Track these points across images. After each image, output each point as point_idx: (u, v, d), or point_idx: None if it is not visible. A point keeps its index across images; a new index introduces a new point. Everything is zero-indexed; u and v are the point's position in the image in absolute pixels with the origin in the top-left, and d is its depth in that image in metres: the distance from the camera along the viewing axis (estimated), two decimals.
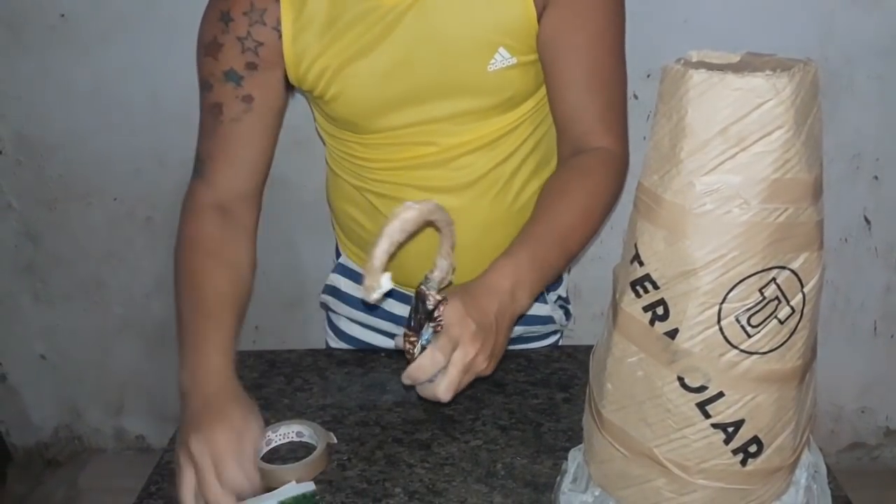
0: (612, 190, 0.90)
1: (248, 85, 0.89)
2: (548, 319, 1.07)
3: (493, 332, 0.76)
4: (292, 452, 0.86)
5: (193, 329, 0.84)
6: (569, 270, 1.13)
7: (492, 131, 0.91)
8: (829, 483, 0.69)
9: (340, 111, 0.90)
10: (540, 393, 0.95)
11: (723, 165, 0.51)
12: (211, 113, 0.91)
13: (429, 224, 0.73)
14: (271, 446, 0.87)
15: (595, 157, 0.89)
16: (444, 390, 0.73)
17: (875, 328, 1.80)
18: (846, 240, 1.69)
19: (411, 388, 0.77)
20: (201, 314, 0.84)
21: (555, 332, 1.11)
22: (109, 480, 1.95)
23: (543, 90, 0.93)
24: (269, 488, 0.80)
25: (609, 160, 0.90)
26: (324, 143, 1.02)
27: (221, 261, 0.89)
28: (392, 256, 0.70)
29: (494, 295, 0.78)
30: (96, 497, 1.93)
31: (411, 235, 0.70)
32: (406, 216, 0.69)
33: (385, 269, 0.70)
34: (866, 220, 1.68)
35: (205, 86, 0.91)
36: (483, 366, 0.76)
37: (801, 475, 0.62)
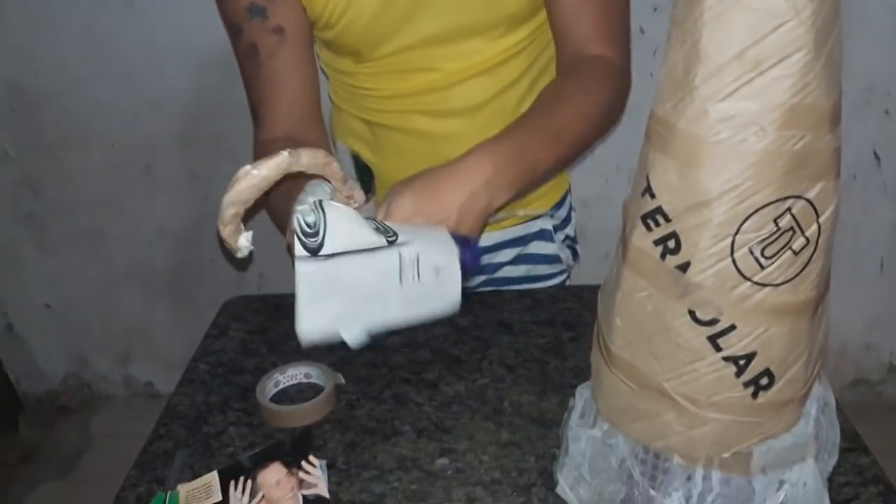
0: (609, 97, 0.86)
1: (274, 16, 0.86)
2: (554, 259, 1.06)
3: (451, 222, 0.69)
4: (301, 393, 0.86)
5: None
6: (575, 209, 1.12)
7: (493, 55, 0.88)
8: (838, 416, 0.69)
9: (345, 37, 0.88)
10: (546, 332, 0.95)
11: (739, 91, 0.49)
12: (248, 57, 0.88)
13: (293, 176, 0.64)
14: (279, 387, 0.87)
15: (593, 63, 0.86)
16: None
17: (882, 265, 1.80)
18: (855, 176, 1.67)
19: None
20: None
21: (562, 273, 1.10)
22: (120, 426, 1.98)
23: (543, 15, 0.90)
24: (278, 429, 0.81)
25: (608, 68, 0.86)
26: (327, 79, 1.00)
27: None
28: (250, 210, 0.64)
29: (465, 182, 0.71)
30: (108, 442, 1.97)
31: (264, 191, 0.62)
32: (241, 186, 0.60)
33: (242, 230, 0.64)
34: (876, 155, 1.65)
35: (234, 29, 0.88)
36: None
37: (811, 407, 0.62)
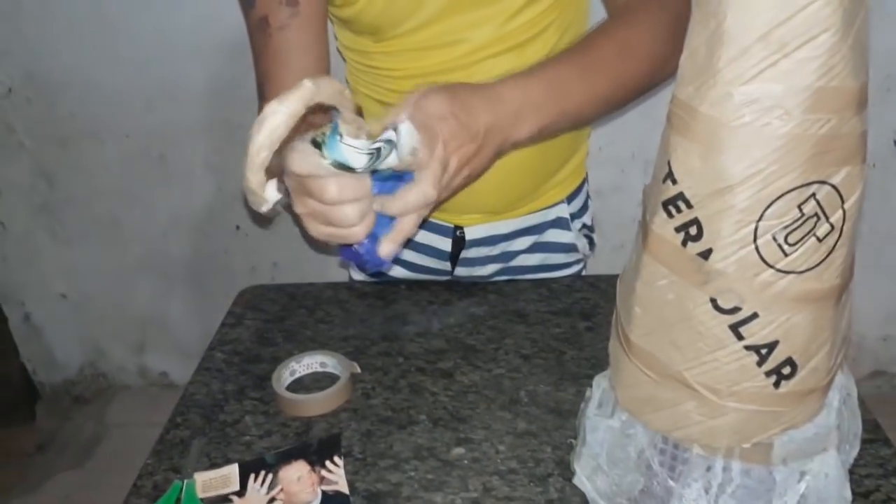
0: (663, 23, 0.76)
1: None
2: (571, 247, 1.05)
3: (475, 144, 0.65)
4: (316, 382, 0.86)
5: None
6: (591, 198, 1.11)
7: (516, 30, 0.85)
8: (859, 406, 0.68)
9: (366, 13, 0.86)
10: (562, 322, 0.95)
11: (763, 74, 0.48)
12: (258, 30, 0.86)
13: (315, 112, 0.60)
14: (295, 377, 0.87)
15: (640, 1, 0.79)
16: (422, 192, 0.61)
17: None
18: (874, 165, 1.64)
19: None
20: None
21: (578, 262, 1.09)
22: (136, 415, 1.99)
23: None
24: (294, 418, 0.80)
25: (660, 2, 0.78)
26: (344, 60, 0.99)
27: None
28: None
29: (494, 105, 0.67)
30: (124, 431, 1.98)
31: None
32: (273, 123, 0.56)
33: (267, 179, 0.59)
34: None
35: (245, 1, 0.87)
36: (453, 177, 0.64)
37: (833, 398, 0.61)
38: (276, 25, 0.85)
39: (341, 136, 0.58)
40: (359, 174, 0.59)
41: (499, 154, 0.70)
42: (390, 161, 0.60)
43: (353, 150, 0.58)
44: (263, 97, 0.89)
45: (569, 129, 0.93)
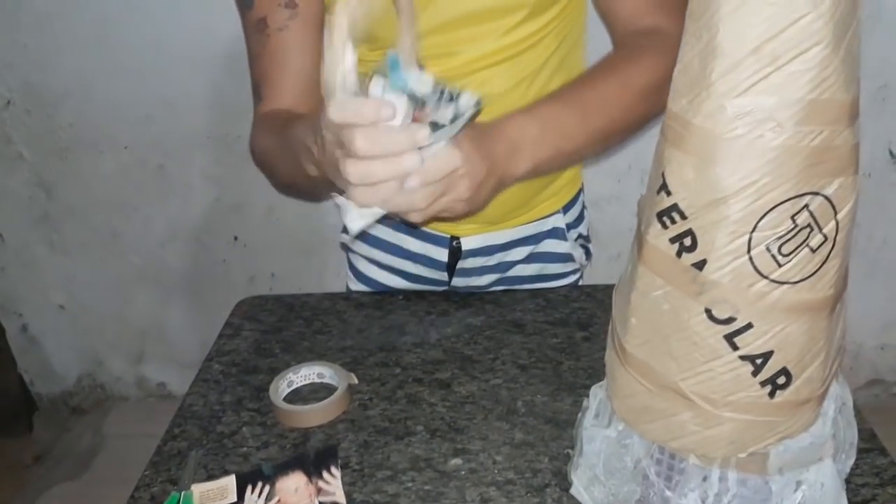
0: (664, 68, 0.75)
1: None
2: (567, 257, 1.06)
3: (480, 178, 0.67)
4: (314, 393, 0.86)
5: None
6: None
7: (513, 43, 0.86)
8: (855, 416, 0.68)
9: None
10: (559, 332, 0.95)
11: (756, 86, 0.48)
12: (256, 30, 0.86)
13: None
14: (293, 387, 0.87)
15: (645, 36, 0.81)
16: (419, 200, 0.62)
17: None
18: (870, 175, 1.65)
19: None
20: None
21: (574, 272, 1.10)
22: (133, 426, 1.98)
23: (564, 3, 0.87)
24: (292, 429, 0.80)
25: (662, 39, 0.79)
26: None
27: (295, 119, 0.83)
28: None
29: (494, 143, 0.70)
30: (122, 442, 1.97)
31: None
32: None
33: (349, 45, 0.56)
34: (891, 153, 1.64)
35: (243, 3, 0.87)
36: (455, 205, 0.66)
37: (829, 407, 0.61)
38: (274, 27, 0.85)
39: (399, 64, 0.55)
40: (409, 120, 0.57)
41: (497, 189, 0.71)
42: (446, 114, 0.58)
43: (417, 78, 0.56)
44: (260, 99, 0.89)
45: (567, 166, 0.94)
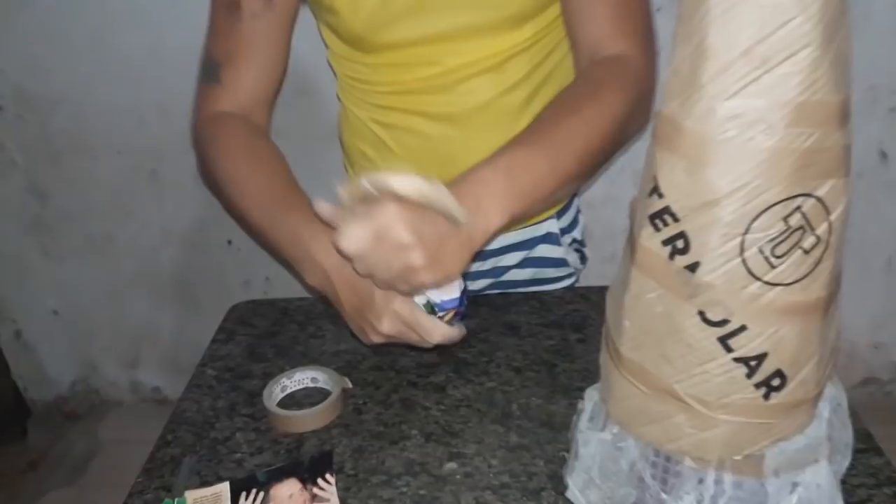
0: (626, 102, 0.77)
1: None
2: (561, 262, 1.06)
3: (432, 242, 0.66)
4: (308, 398, 0.86)
5: (279, 210, 0.79)
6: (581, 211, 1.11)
7: (498, 52, 0.86)
8: (850, 416, 0.68)
9: (347, 20, 0.86)
10: (553, 334, 0.95)
11: (746, 89, 0.48)
12: (227, 10, 0.85)
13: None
14: (286, 392, 0.87)
15: (609, 65, 0.79)
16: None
17: (889, 264, 1.79)
18: (861, 174, 1.66)
19: None
20: (278, 197, 0.81)
21: (569, 276, 1.10)
22: (128, 431, 1.98)
23: (553, 11, 0.87)
24: (286, 434, 0.80)
25: (626, 69, 0.79)
26: (335, 75, 0.99)
27: (264, 159, 0.85)
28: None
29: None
30: (116, 448, 1.97)
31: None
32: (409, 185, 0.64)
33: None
34: (882, 153, 1.64)
35: None
36: (411, 275, 0.68)
37: (823, 408, 0.61)
38: (248, 12, 0.84)
39: None
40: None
41: (471, 248, 0.70)
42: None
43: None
44: (217, 81, 0.87)
45: (546, 209, 0.95)
